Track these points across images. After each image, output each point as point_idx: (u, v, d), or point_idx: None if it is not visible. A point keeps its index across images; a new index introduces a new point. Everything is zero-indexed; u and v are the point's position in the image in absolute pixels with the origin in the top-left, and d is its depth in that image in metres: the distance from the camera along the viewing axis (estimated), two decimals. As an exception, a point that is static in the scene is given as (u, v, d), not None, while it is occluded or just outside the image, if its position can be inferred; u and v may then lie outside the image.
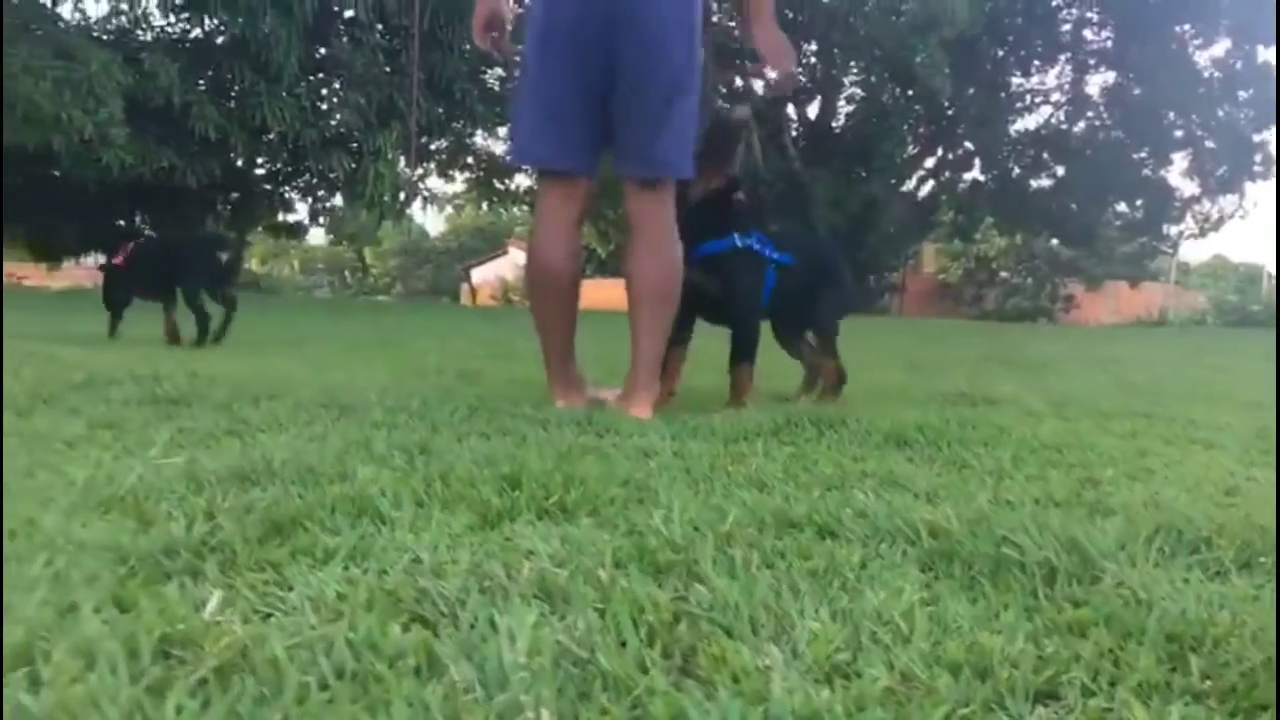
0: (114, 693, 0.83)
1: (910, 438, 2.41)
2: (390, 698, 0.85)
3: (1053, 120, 26.40)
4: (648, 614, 1.06)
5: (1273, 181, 23.57)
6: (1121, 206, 26.51)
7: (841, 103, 26.16)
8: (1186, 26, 23.64)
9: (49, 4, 15.18)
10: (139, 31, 16.54)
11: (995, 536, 1.41)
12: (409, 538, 1.35)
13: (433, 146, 21.06)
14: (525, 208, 25.39)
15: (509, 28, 3.16)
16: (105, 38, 15.71)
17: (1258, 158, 24.60)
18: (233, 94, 15.77)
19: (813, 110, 25.98)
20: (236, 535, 1.32)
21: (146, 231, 21.01)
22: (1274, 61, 22.39)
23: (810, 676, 0.94)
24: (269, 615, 1.06)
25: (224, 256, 6.10)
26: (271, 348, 5.68)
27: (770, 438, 2.38)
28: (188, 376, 3.37)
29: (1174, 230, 27.61)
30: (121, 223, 20.41)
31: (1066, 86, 25.88)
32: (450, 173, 24.29)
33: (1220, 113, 24.10)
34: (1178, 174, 25.56)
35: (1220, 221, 26.78)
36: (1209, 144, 24.35)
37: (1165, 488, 1.92)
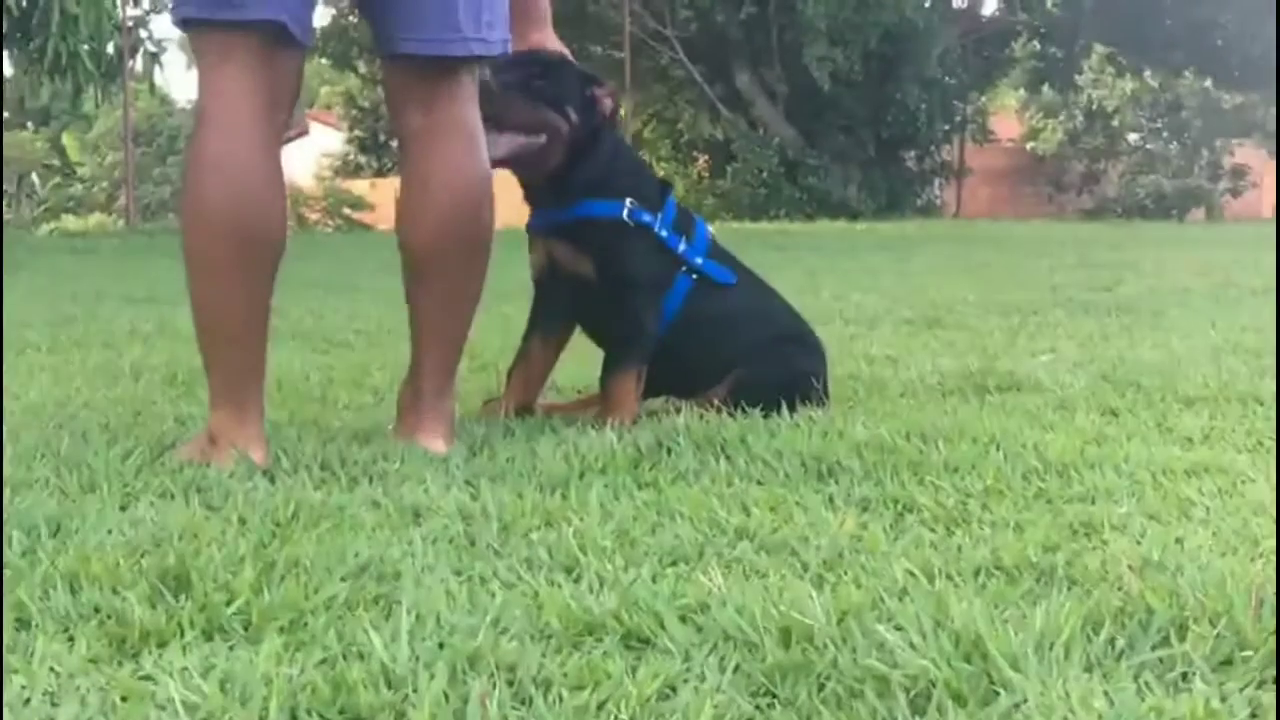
0: None
1: (841, 465, 1.74)
2: None
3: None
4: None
5: None
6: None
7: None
8: None
9: None
10: None
11: (874, 639, 1.03)
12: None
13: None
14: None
15: None
16: None
17: None
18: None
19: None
20: None
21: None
22: None
23: None
24: None
25: None
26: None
27: (621, 474, 1.70)
28: None
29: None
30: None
31: None
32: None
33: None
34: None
35: None
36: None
37: (1191, 537, 1.38)
